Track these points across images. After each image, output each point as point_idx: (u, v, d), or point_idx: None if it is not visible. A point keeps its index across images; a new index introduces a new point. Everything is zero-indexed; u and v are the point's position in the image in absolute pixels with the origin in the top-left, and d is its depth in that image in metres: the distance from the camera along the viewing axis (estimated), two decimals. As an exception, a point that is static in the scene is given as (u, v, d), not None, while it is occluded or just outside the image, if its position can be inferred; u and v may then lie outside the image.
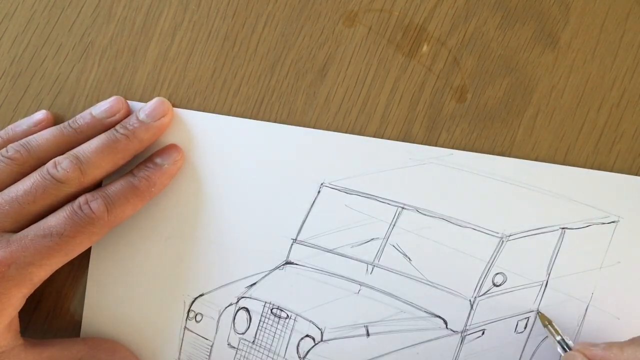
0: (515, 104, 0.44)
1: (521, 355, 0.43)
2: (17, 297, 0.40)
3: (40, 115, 0.45)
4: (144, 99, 0.46)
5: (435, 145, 0.44)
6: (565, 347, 0.40)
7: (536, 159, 0.44)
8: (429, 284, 0.43)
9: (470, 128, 0.44)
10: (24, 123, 0.45)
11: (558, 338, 0.40)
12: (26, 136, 0.44)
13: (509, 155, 0.44)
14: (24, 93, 0.47)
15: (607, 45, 0.44)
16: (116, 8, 0.46)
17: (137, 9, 0.46)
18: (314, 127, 0.45)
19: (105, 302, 0.45)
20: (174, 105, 0.45)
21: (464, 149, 0.44)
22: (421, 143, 0.44)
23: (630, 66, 0.44)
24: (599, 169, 0.43)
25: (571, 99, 0.44)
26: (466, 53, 0.45)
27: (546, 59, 0.44)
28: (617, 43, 0.44)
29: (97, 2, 0.47)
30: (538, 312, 0.42)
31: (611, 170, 0.43)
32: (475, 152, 0.44)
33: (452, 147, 0.44)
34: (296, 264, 0.44)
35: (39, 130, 0.44)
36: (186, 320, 0.44)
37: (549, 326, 0.41)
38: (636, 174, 0.43)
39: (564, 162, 0.43)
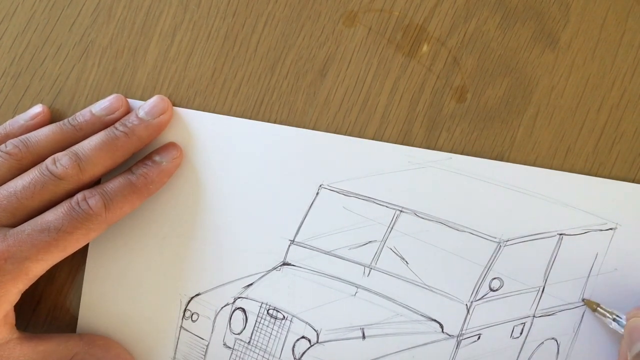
0: (515, 104, 0.43)
1: (517, 361, 0.42)
2: (13, 292, 0.40)
3: (37, 109, 0.46)
4: (144, 98, 0.46)
5: (435, 145, 0.44)
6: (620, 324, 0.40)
7: (536, 159, 0.43)
8: (425, 288, 0.42)
9: (470, 128, 0.43)
10: (20, 118, 0.45)
11: (612, 317, 0.40)
12: (25, 131, 0.45)
13: (509, 155, 0.43)
14: (24, 93, 0.47)
15: (607, 45, 0.43)
16: (116, 8, 0.47)
17: (137, 9, 0.47)
18: (314, 127, 0.45)
19: (101, 300, 0.45)
20: (173, 105, 0.45)
21: (464, 149, 0.43)
22: (421, 143, 0.44)
23: (630, 66, 0.43)
24: (598, 169, 0.43)
25: (571, 99, 0.43)
26: (466, 53, 0.44)
27: (546, 59, 0.44)
28: (617, 43, 0.43)
29: (97, 2, 0.47)
30: (583, 300, 0.42)
31: (611, 171, 0.43)
32: (475, 152, 0.43)
33: (452, 147, 0.43)
34: (293, 265, 0.44)
35: (36, 124, 0.45)
36: (182, 319, 0.44)
37: (598, 309, 0.41)
38: (636, 175, 0.42)
39: (563, 162, 0.43)
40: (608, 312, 0.40)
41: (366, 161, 0.44)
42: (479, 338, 0.42)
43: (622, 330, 0.40)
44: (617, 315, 0.40)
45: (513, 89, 0.44)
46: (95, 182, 0.44)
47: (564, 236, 0.42)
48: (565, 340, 0.42)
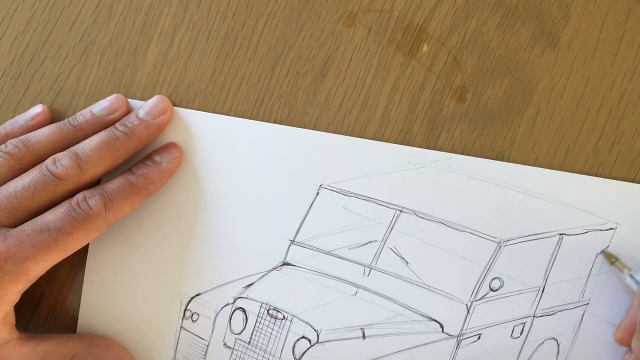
0: (515, 104, 0.43)
1: (517, 361, 0.42)
2: (13, 292, 0.40)
3: (38, 109, 0.46)
4: (144, 98, 0.46)
5: (435, 146, 0.44)
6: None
7: (536, 159, 0.43)
8: (425, 288, 0.42)
9: (470, 128, 0.43)
10: (20, 118, 0.45)
11: (628, 273, 0.40)
12: (25, 131, 0.45)
13: (509, 155, 0.43)
14: (24, 93, 0.47)
15: (607, 45, 0.43)
16: (116, 8, 0.47)
17: (137, 9, 0.47)
18: (314, 127, 0.45)
19: (102, 300, 0.45)
20: (174, 105, 0.45)
21: (464, 149, 0.43)
22: (421, 143, 0.44)
23: (630, 66, 0.43)
24: (598, 169, 0.43)
25: (571, 99, 0.43)
26: (466, 53, 0.44)
27: (546, 59, 0.44)
28: (617, 43, 0.43)
29: (97, 2, 0.47)
30: (603, 252, 0.42)
31: (611, 171, 0.43)
32: (476, 152, 0.43)
33: (452, 147, 0.43)
34: (293, 265, 0.44)
35: (36, 124, 0.45)
36: (182, 319, 0.44)
37: (615, 263, 0.41)
38: (636, 175, 0.42)
39: (563, 162, 0.43)
40: (626, 267, 0.40)
41: (366, 161, 0.44)
42: (479, 338, 0.42)
43: (636, 287, 0.40)
44: (634, 272, 0.40)
45: (513, 89, 0.44)
46: (96, 182, 0.44)
47: (564, 236, 0.42)
48: (565, 340, 0.42)
